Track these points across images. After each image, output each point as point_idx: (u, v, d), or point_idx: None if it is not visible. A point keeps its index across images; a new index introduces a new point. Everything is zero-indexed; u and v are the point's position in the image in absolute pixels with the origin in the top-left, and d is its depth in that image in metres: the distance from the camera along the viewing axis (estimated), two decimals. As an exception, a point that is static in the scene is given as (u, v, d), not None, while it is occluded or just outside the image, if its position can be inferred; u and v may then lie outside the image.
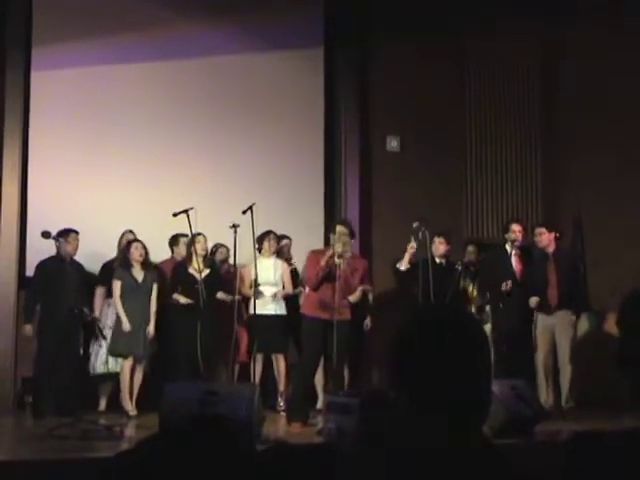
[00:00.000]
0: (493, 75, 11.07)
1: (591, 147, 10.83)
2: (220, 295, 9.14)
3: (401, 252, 9.36)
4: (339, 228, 8.23)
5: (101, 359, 8.96)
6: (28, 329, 8.79)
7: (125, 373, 8.78)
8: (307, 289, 8.70)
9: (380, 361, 9.68)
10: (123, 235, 9.36)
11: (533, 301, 8.91)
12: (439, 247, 9.54)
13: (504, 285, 8.95)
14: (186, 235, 9.12)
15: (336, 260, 8.02)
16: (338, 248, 8.04)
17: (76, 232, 8.86)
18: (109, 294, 9.08)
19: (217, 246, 9.61)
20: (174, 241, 9.47)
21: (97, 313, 8.99)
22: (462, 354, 1.87)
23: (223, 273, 9.48)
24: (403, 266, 9.39)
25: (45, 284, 8.76)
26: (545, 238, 9.05)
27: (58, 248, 8.68)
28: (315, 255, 8.32)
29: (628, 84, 10.87)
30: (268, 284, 9.16)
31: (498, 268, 9.29)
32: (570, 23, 11.02)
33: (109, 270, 9.18)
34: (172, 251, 9.55)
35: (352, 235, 9.40)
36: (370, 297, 9.71)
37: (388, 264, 10.03)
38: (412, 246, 9.09)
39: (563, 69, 11.18)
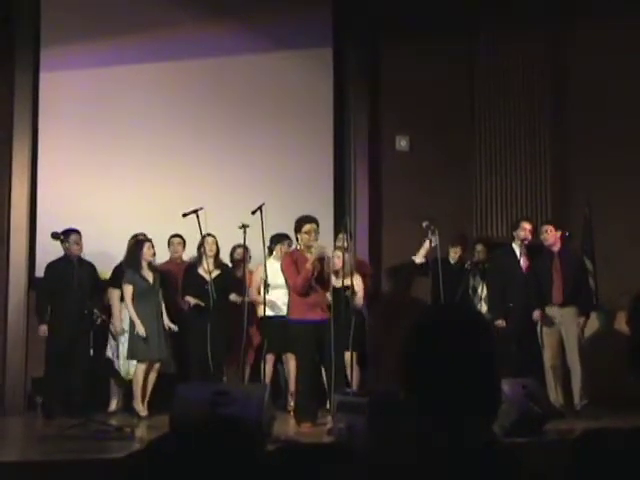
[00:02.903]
0: (502, 75, 11.04)
1: (600, 146, 10.80)
2: (232, 297, 9.13)
3: (413, 250, 9.48)
4: (312, 226, 8.06)
5: (133, 362, 8.90)
6: (43, 330, 8.78)
7: (139, 376, 8.72)
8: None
9: (389, 361, 9.67)
10: (135, 237, 9.30)
11: (536, 315, 8.90)
12: (454, 256, 9.93)
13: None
14: (178, 235, 9.28)
15: (310, 257, 7.97)
16: (321, 248, 8.02)
17: (77, 231, 8.84)
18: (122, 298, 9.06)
19: (235, 247, 9.58)
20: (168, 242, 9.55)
21: (116, 316, 8.93)
22: (471, 354, 1.87)
23: (240, 274, 9.44)
24: (418, 259, 9.51)
25: (55, 285, 8.77)
26: (551, 236, 9.06)
27: (66, 249, 8.70)
28: (290, 260, 8.20)
29: (637, 83, 10.83)
30: (279, 287, 9.13)
31: (506, 267, 9.30)
32: (579, 23, 10.99)
33: (122, 273, 9.15)
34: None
35: (350, 234, 9.33)
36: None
37: (398, 263, 10.06)
38: (425, 247, 9.27)
39: (572, 69, 11.15)
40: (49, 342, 8.80)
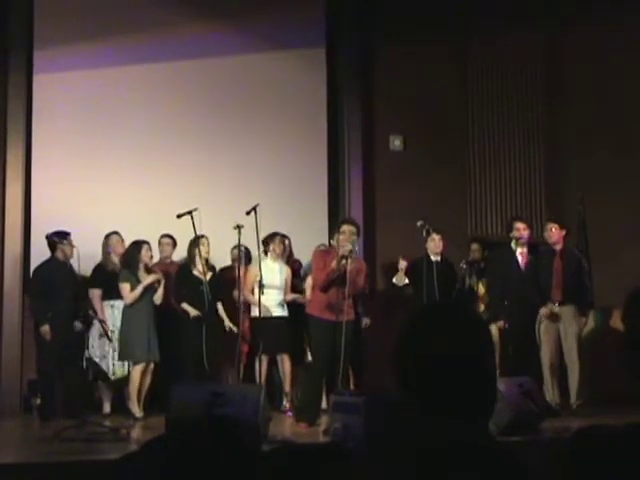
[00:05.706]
0: (495, 74, 11.06)
1: (594, 144, 10.83)
2: (226, 323, 9.12)
3: (409, 249, 9.45)
4: (349, 227, 8.09)
5: (119, 362, 8.83)
6: (45, 330, 8.70)
7: (136, 377, 8.68)
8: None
9: (385, 361, 9.66)
10: (108, 237, 9.21)
11: (544, 311, 8.88)
12: (438, 244, 9.49)
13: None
14: (168, 236, 9.36)
15: (343, 261, 7.96)
16: (348, 247, 7.96)
17: (69, 233, 8.80)
18: (104, 296, 8.98)
19: (232, 248, 9.51)
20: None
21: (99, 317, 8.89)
22: (467, 352, 1.87)
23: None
24: (401, 283, 9.43)
25: (47, 287, 8.72)
26: (555, 234, 9.03)
27: (61, 250, 8.67)
28: (322, 254, 8.25)
29: (630, 83, 10.85)
30: (273, 287, 9.11)
31: (505, 267, 9.30)
32: (572, 24, 11.01)
33: (102, 273, 9.06)
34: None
35: (358, 234, 9.35)
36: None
37: (391, 263, 10.04)
38: (402, 265, 9.25)
39: (565, 68, 11.18)
40: (46, 344, 8.75)
